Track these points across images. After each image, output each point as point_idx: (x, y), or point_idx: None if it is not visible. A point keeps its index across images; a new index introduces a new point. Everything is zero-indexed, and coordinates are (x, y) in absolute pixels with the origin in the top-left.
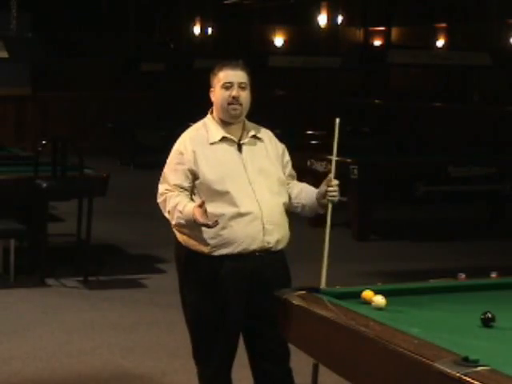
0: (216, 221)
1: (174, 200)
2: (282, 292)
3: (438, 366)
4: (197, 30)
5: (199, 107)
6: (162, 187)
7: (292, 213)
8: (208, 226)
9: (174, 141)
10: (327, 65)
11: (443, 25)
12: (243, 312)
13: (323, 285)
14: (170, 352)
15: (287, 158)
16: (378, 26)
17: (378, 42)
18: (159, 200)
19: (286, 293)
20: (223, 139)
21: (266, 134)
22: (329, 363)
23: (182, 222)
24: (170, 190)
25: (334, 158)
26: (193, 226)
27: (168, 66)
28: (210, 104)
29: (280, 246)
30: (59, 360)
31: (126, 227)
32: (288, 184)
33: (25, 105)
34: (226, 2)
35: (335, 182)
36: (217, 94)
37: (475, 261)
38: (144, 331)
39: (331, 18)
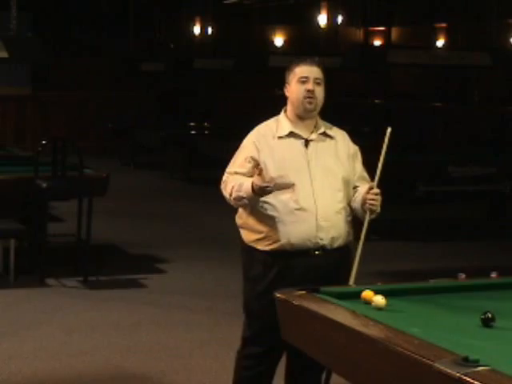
0: (273, 179)
1: (234, 180)
2: (282, 292)
3: (438, 365)
4: (197, 30)
5: (199, 107)
6: (224, 175)
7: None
8: (266, 188)
9: (174, 141)
10: (327, 65)
11: (443, 25)
12: None
13: (352, 282)
14: (170, 352)
15: (359, 159)
16: (378, 26)
17: (378, 42)
18: (222, 186)
19: (286, 293)
20: (291, 134)
21: (338, 132)
22: (329, 363)
23: (241, 194)
24: (229, 176)
25: (380, 165)
26: (252, 201)
27: (168, 66)
28: (210, 104)
29: (336, 244)
30: (59, 360)
31: (126, 227)
32: (355, 187)
33: (25, 105)
34: (225, 1)
35: (376, 190)
36: (292, 89)
37: (475, 261)
38: (144, 331)
39: (331, 18)
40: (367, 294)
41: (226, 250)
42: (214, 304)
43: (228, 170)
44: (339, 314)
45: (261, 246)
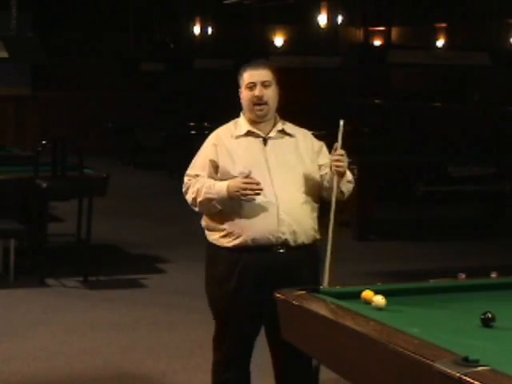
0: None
1: (200, 182)
2: (281, 292)
3: (438, 365)
4: (197, 30)
5: (199, 107)
6: (185, 178)
7: None
8: (250, 189)
9: (174, 141)
10: (327, 65)
11: (443, 25)
12: (260, 308)
13: (326, 283)
14: (170, 352)
15: (325, 154)
16: (378, 26)
17: (378, 42)
18: (183, 189)
19: (285, 293)
20: (249, 133)
21: (299, 131)
22: (329, 363)
23: (211, 196)
24: (191, 179)
25: (341, 128)
26: (223, 204)
27: (168, 66)
28: (209, 104)
29: (300, 241)
30: (59, 360)
31: (125, 227)
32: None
33: (25, 105)
34: (225, 1)
35: (340, 151)
36: (243, 95)
37: (475, 261)
38: (144, 331)
39: (331, 18)
40: (367, 294)
41: None
42: None
43: (189, 172)
44: (339, 314)
45: (224, 243)
